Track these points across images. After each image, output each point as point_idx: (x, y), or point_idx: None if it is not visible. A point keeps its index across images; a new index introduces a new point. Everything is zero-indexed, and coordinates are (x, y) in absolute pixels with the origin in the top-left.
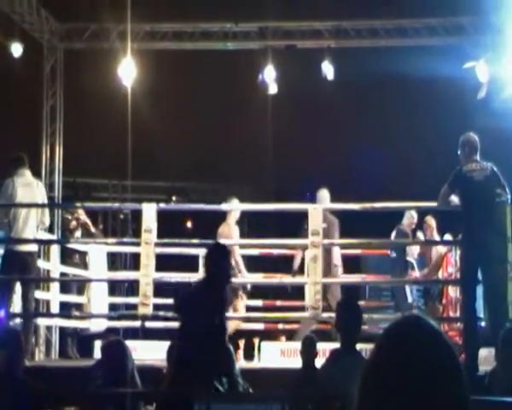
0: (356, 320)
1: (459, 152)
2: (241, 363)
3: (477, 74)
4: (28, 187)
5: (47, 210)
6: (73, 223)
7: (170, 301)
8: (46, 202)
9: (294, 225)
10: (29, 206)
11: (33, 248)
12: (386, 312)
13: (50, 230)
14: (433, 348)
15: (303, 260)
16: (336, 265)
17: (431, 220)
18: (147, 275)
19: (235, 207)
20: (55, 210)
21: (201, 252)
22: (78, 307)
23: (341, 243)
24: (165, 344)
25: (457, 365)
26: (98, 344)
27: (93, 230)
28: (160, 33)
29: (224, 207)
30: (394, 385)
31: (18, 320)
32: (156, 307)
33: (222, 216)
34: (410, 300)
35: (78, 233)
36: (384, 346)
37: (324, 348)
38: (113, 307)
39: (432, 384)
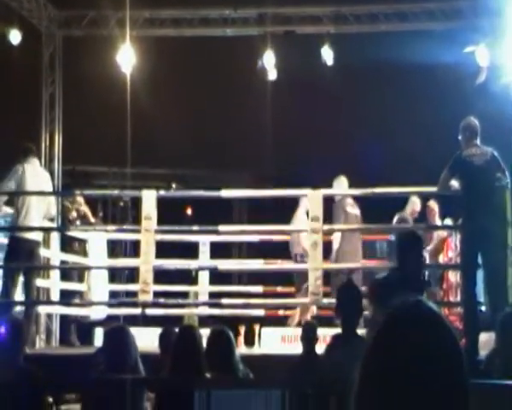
0: (356, 305)
1: (460, 137)
2: (241, 349)
3: (477, 59)
4: (37, 176)
5: (54, 201)
6: (73, 213)
7: (170, 287)
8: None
9: (294, 210)
10: (36, 194)
11: (39, 236)
12: None
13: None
14: (433, 331)
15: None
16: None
17: (434, 205)
18: (147, 262)
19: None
20: (55, 198)
21: (201, 239)
22: (79, 294)
23: (342, 228)
24: None
25: (458, 348)
26: (99, 332)
27: (92, 220)
28: (159, 20)
29: (223, 193)
30: (395, 369)
31: (19, 308)
32: (156, 294)
33: (222, 203)
34: None
35: (77, 223)
36: (384, 330)
37: (325, 334)
38: (113, 294)
39: (432, 368)
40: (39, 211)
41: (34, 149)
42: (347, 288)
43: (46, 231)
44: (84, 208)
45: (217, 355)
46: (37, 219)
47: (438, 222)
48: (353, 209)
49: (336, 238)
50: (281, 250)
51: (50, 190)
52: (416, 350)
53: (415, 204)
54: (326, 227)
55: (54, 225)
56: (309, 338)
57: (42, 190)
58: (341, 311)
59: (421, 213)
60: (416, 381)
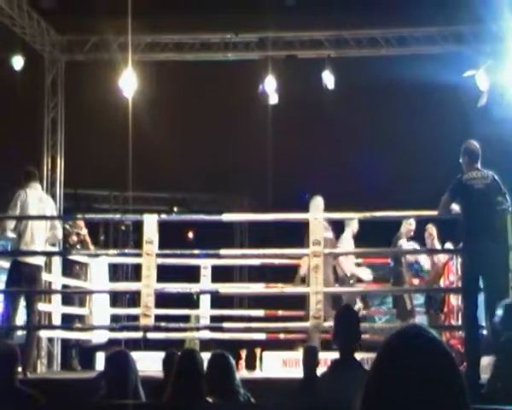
0: (354, 329)
1: (461, 160)
2: (242, 373)
3: (477, 83)
4: (40, 201)
5: (59, 224)
6: (74, 238)
7: (171, 311)
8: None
9: (295, 235)
10: (39, 218)
11: (41, 261)
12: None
13: None
14: (433, 358)
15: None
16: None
17: (432, 229)
18: (148, 286)
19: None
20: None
21: (202, 262)
22: (80, 318)
23: (342, 252)
24: None
25: (458, 374)
26: (100, 356)
27: (91, 247)
28: (161, 44)
29: (224, 217)
30: (396, 396)
31: (20, 332)
32: (158, 317)
33: (223, 227)
34: (409, 307)
35: (78, 248)
36: (385, 357)
37: (326, 358)
38: (114, 318)
39: (433, 394)
40: (42, 236)
41: (36, 173)
42: (345, 312)
43: (48, 255)
44: (84, 233)
45: (217, 379)
46: (40, 244)
47: (436, 246)
48: (328, 233)
49: (304, 264)
50: (282, 274)
51: (54, 213)
52: (415, 377)
53: (409, 224)
54: (327, 251)
55: (55, 248)
56: (310, 362)
57: (45, 214)
58: (339, 336)
59: (420, 237)
60: (417, 407)
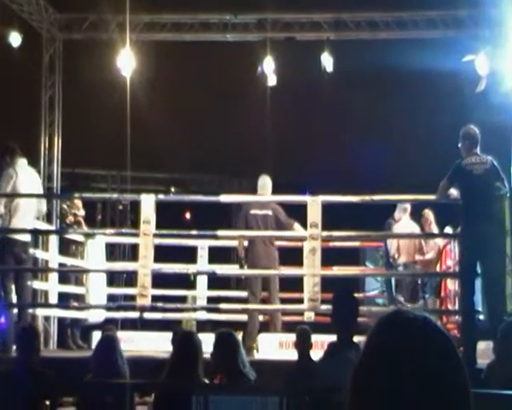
0: (352, 312)
1: (460, 144)
2: None
3: (476, 68)
4: (30, 177)
5: (44, 199)
6: (70, 218)
7: (168, 291)
8: (42, 190)
9: (292, 216)
10: (32, 196)
11: (28, 238)
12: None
13: (49, 220)
14: (425, 338)
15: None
16: None
17: (428, 213)
18: (145, 266)
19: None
20: (54, 201)
21: (199, 243)
22: (77, 297)
23: (340, 235)
24: (163, 335)
25: (456, 355)
26: (97, 335)
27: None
28: (160, 24)
29: (222, 198)
30: (387, 378)
31: (14, 311)
32: (154, 298)
33: (220, 208)
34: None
35: (74, 228)
36: (374, 339)
37: (322, 341)
38: (111, 297)
39: (431, 376)
40: (32, 212)
41: (17, 148)
42: (344, 295)
43: (45, 233)
44: (82, 214)
45: (225, 358)
46: (30, 221)
47: (434, 230)
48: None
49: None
50: (279, 256)
51: (41, 188)
52: (407, 359)
53: (404, 209)
54: (325, 234)
55: (51, 226)
56: (303, 344)
57: (34, 189)
58: (338, 318)
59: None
60: (414, 391)
